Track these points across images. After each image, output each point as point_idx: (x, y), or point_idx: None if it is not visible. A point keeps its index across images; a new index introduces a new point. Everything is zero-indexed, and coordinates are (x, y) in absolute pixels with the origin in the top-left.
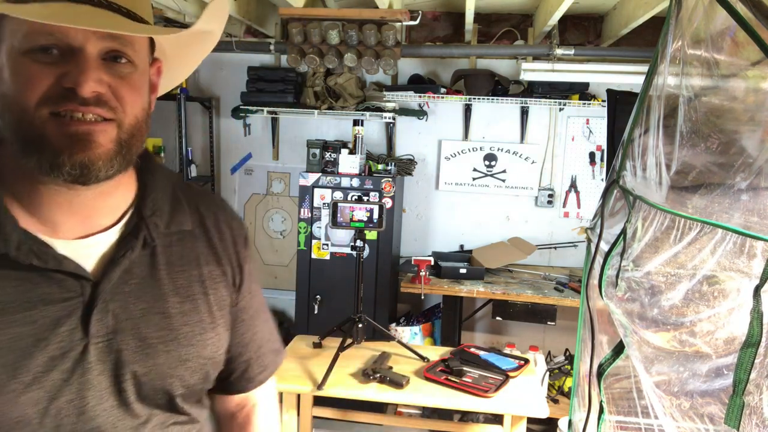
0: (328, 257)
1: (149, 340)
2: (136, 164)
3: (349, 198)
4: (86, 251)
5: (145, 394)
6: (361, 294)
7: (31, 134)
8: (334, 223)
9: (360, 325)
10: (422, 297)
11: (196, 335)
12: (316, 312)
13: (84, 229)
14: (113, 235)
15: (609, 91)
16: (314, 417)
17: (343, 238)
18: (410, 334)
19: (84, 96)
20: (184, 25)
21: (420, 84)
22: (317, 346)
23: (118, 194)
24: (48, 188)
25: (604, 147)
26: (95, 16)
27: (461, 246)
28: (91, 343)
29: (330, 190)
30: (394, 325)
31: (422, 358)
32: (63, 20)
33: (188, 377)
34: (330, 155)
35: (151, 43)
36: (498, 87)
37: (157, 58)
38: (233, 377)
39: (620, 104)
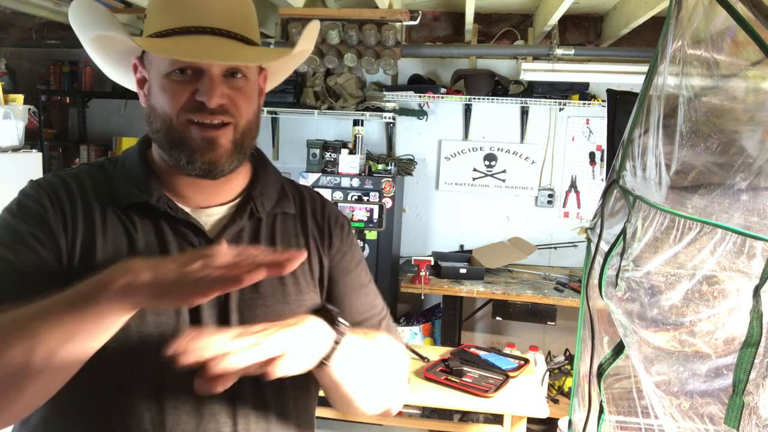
0: None
1: (251, 294)
2: (251, 159)
3: (349, 198)
4: (206, 218)
5: None
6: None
7: (176, 136)
8: None
9: None
10: (422, 297)
11: (291, 295)
12: None
13: (206, 202)
14: (228, 208)
15: (609, 91)
16: (315, 417)
17: None
18: (410, 334)
19: (211, 107)
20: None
21: (420, 84)
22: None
23: (236, 180)
24: (184, 176)
25: (604, 147)
26: (217, 45)
27: (461, 246)
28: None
29: (330, 190)
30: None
31: (422, 358)
32: (196, 56)
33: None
34: (330, 155)
35: None
36: (498, 87)
37: (263, 67)
38: None
39: (620, 104)
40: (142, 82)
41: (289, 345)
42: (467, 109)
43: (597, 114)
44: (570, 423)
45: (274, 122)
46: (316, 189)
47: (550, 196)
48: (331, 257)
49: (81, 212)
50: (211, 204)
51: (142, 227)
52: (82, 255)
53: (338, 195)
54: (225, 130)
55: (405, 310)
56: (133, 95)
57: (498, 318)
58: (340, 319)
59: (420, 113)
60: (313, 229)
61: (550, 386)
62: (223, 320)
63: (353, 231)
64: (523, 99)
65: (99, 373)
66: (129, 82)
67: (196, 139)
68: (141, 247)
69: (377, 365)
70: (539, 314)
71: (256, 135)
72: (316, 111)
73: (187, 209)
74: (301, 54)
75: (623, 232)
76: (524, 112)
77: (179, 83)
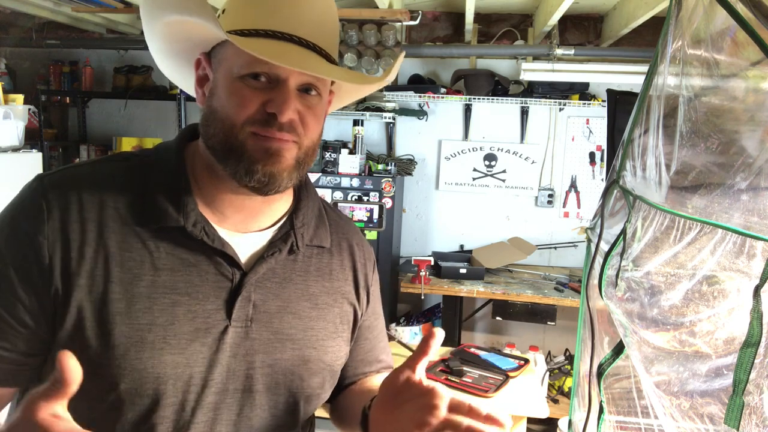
0: None
1: (280, 336)
2: None
3: (349, 198)
4: (243, 244)
5: (268, 386)
6: None
7: (235, 145)
8: None
9: None
10: (422, 297)
11: (320, 340)
12: None
13: (245, 226)
14: (267, 236)
15: (609, 91)
16: (315, 417)
17: None
18: (410, 334)
19: (282, 122)
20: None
21: (420, 84)
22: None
23: (280, 203)
24: (227, 189)
25: (604, 147)
26: (303, 56)
27: (461, 246)
28: (231, 326)
29: (330, 190)
30: (394, 325)
31: None
32: (289, 62)
33: (308, 377)
34: (330, 155)
35: None
36: (498, 87)
37: (332, 90)
38: (345, 383)
39: (620, 104)
40: (203, 81)
41: None
42: (467, 109)
43: (597, 114)
44: (570, 423)
45: None
46: (316, 189)
47: (550, 196)
48: (367, 305)
49: (93, 242)
50: (250, 228)
51: (169, 255)
52: (92, 298)
53: (338, 195)
54: (289, 145)
55: (405, 310)
56: (133, 95)
57: (498, 318)
58: None
59: (420, 113)
60: (350, 271)
61: (550, 386)
62: (247, 367)
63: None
64: (523, 99)
65: (113, 415)
66: (183, 80)
67: (259, 150)
68: (165, 282)
69: None
70: (539, 314)
71: (316, 156)
72: None
73: (223, 233)
74: (379, 84)
75: (623, 232)
76: (524, 112)
77: (251, 90)
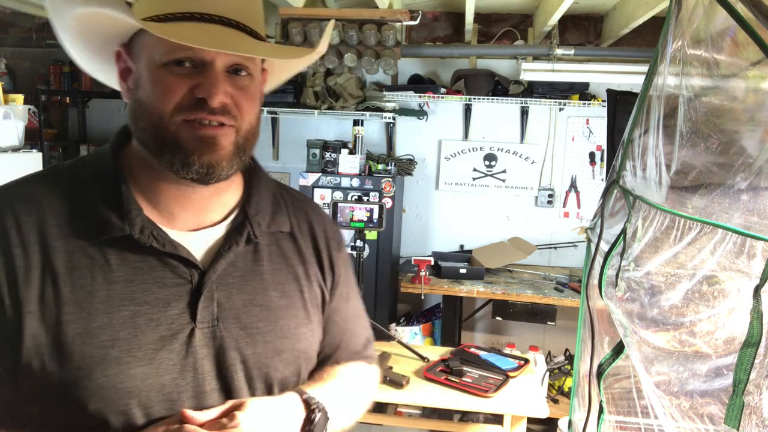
0: None
1: (249, 330)
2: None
3: (349, 198)
4: (197, 243)
5: (245, 382)
6: (361, 294)
7: (167, 137)
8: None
9: None
10: (422, 297)
11: (291, 329)
12: None
13: (196, 222)
14: (221, 230)
15: (609, 91)
16: None
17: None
18: (410, 334)
19: (213, 106)
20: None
21: (420, 84)
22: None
23: (229, 193)
24: (170, 185)
25: (604, 147)
26: (227, 36)
27: (461, 246)
28: (197, 328)
29: (330, 190)
30: (394, 325)
31: (422, 358)
32: (206, 43)
33: (282, 368)
34: (330, 155)
35: None
36: (498, 87)
37: (264, 67)
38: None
39: (620, 104)
40: (126, 74)
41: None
42: (467, 109)
43: (597, 114)
44: (570, 423)
45: (274, 122)
46: (316, 189)
47: (550, 196)
48: (333, 286)
49: (38, 266)
50: (201, 225)
51: (120, 266)
52: (45, 323)
53: (338, 195)
54: (226, 131)
55: (405, 310)
56: None
57: (498, 318)
58: (316, 409)
59: (420, 113)
60: (313, 252)
61: (550, 386)
62: (220, 366)
63: (346, 246)
64: (523, 99)
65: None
66: (107, 76)
67: (192, 139)
68: (122, 294)
69: (348, 409)
70: (539, 314)
71: (256, 140)
72: (316, 111)
73: (174, 234)
74: (312, 56)
75: (623, 232)
76: (524, 112)
77: (176, 77)
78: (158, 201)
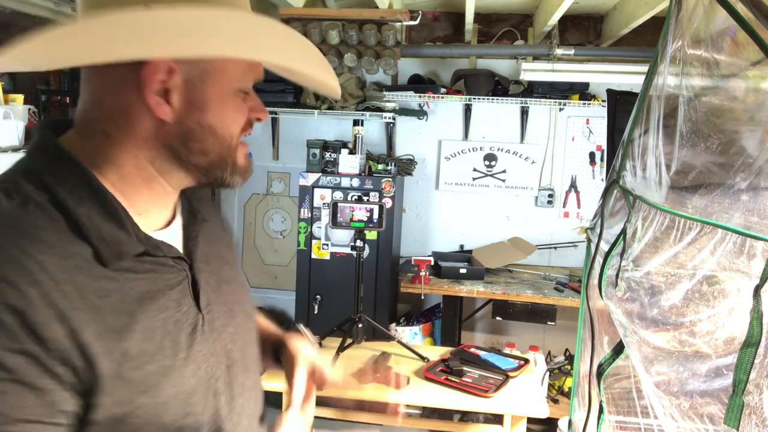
0: (328, 257)
1: (229, 305)
2: None
3: (349, 198)
4: (173, 237)
5: (240, 356)
6: (361, 294)
7: (232, 159)
8: (334, 223)
9: (360, 325)
10: (422, 297)
11: (245, 293)
12: (316, 312)
13: (164, 219)
14: (179, 221)
15: (609, 91)
16: (314, 417)
17: (343, 238)
18: (410, 334)
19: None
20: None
21: (420, 84)
22: (317, 346)
23: None
24: (149, 187)
25: (604, 147)
26: (321, 60)
27: (461, 246)
28: (204, 315)
29: (330, 190)
30: (394, 325)
31: (422, 358)
32: (336, 87)
33: (252, 329)
34: (330, 155)
35: None
36: (498, 87)
37: None
38: None
39: (620, 104)
40: (164, 92)
41: None
42: (467, 109)
43: (597, 114)
44: (570, 423)
45: (274, 122)
46: (316, 189)
47: (550, 196)
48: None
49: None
50: (170, 218)
51: (139, 280)
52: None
53: (338, 195)
54: None
55: (405, 310)
56: None
57: (498, 318)
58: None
59: (420, 113)
60: (219, 216)
61: (550, 386)
62: (223, 345)
63: None
64: (523, 99)
65: None
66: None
67: (245, 157)
68: (153, 319)
69: None
70: (539, 314)
71: None
72: (316, 111)
73: (158, 235)
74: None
75: (623, 232)
76: (524, 112)
77: (241, 99)
78: (138, 206)
